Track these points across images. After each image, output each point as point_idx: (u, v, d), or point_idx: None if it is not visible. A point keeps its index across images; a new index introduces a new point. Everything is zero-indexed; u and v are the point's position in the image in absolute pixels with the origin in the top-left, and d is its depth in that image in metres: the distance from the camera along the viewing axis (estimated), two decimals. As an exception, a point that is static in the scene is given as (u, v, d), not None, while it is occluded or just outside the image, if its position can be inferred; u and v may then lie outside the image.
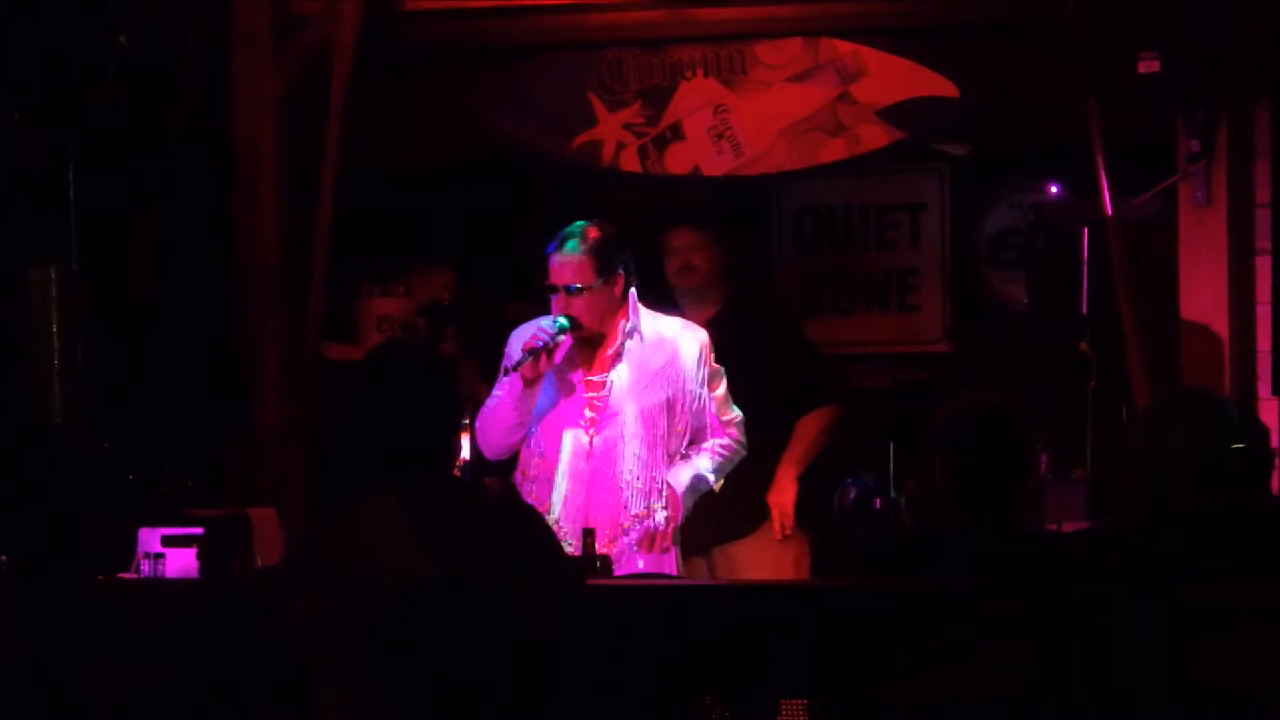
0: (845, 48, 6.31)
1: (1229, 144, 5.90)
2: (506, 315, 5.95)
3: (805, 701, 4.04)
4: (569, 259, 5.04)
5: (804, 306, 7.57)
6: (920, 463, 5.34)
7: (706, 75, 6.42)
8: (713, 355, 5.26)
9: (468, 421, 5.26)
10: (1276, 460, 4.76)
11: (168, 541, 4.61)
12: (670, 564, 5.21)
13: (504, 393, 5.12)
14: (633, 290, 5.17)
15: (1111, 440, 5.88)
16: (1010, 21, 6.15)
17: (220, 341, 6.23)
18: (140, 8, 5.15)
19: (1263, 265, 5.94)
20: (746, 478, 5.58)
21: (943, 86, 6.26)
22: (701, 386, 5.21)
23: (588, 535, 4.79)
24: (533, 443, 5.19)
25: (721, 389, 5.28)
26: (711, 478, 5.29)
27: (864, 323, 7.57)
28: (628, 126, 6.47)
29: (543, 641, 3.39)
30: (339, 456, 3.51)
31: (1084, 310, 6.10)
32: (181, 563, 4.59)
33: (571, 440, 5.13)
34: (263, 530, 4.74)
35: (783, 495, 6.05)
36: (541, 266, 5.16)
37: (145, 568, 4.59)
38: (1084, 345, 6.08)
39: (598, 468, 5.13)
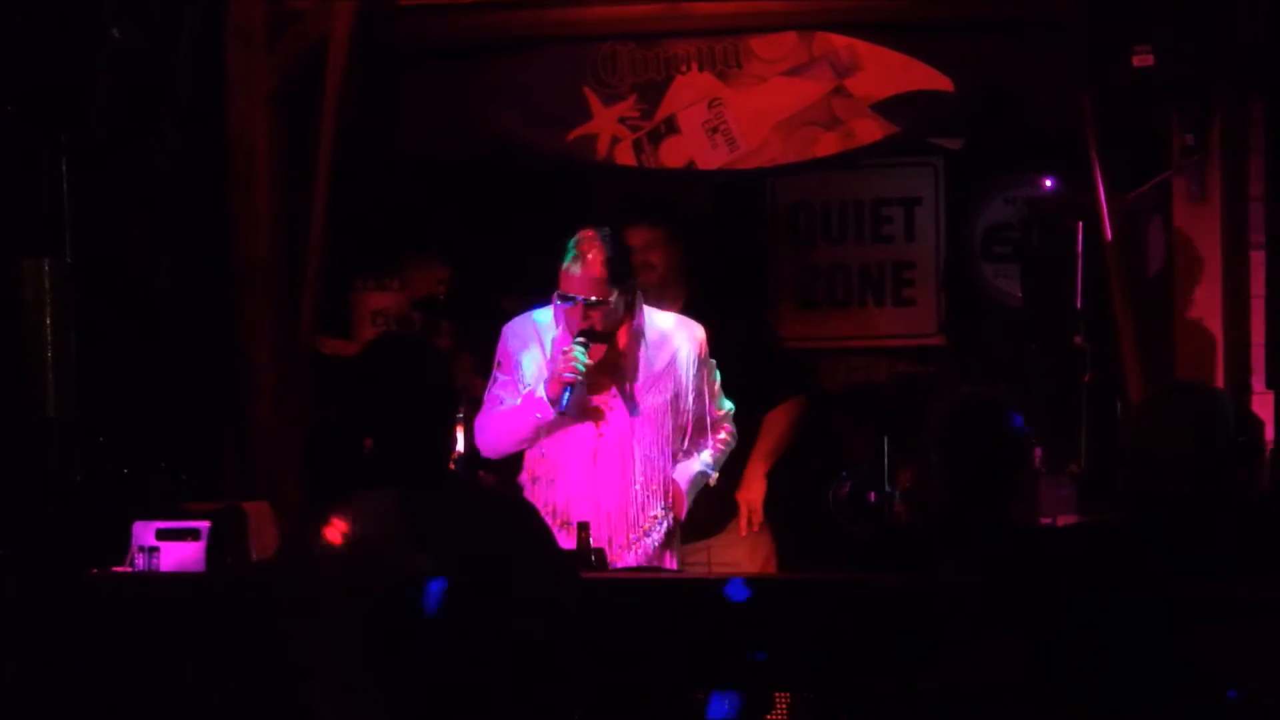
0: (840, 41, 6.30)
1: (1223, 138, 5.90)
2: (501, 309, 5.95)
3: (799, 694, 4.05)
4: (587, 274, 5.01)
5: (799, 301, 7.58)
6: (915, 456, 5.36)
7: (701, 69, 6.41)
8: (708, 350, 5.26)
9: (462, 416, 5.25)
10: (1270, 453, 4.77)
11: (163, 535, 4.61)
12: (669, 558, 5.21)
13: (523, 412, 5.09)
14: (639, 293, 5.18)
15: (1106, 434, 5.88)
16: (1005, 16, 6.15)
17: (215, 335, 6.23)
18: (134, 2, 5.15)
19: (1257, 259, 5.94)
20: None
21: (937, 80, 6.26)
22: (700, 382, 5.22)
23: (582, 529, 4.80)
24: (539, 445, 5.19)
25: (717, 383, 5.29)
26: (711, 472, 5.30)
27: (859, 317, 7.57)
28: (622, 120, 6.47)
29: (537, 635, 3.39)
30: (334, 450, 3.51)
31: (1078, 304, 6.10)
32: (177, 556, 4.59)
33: (579, 442, 5.13)
34: (257, 524, 4.74)
35: (750, 492, 6.04)
36: (535, 262, 5.14)
37: (140, 561, 4.58)
38: (1078, 339, 6.09)
39: (607, 469, 5.13)
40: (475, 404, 5.28)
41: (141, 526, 4.63)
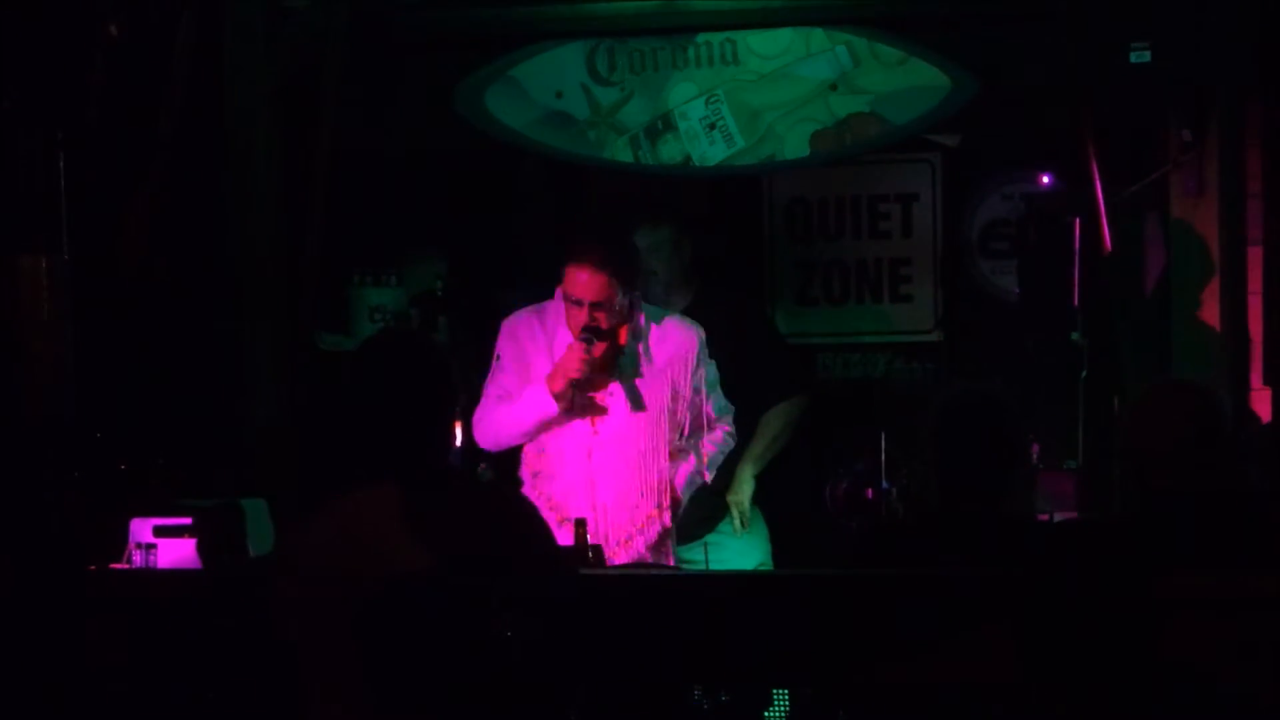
0: (837, 38, 6.31)
1: (1221, 134, 5.90)
2: (499, 304, 5.94)
3: (796, 690, 4.05)
4: (593, 275, 5.01)
5: (796, 297, 7.58)
6: (912, 452, 5.36)
7: (699, 65, 6.42)
8: (707, 348, 5.26)
9: (461, 410, 5.25)
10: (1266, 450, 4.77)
11: (160, 532, 4.61)
12: (667, 555, 5.22)
13: (526, 406, 5.10)
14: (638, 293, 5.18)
15: (1103, 430, 5.88)
16: (1002, 12, 6.15)
17: (212, 331, 6.22)
18: (131, -2, 5.15)
19: (1254, 255, 5.94)
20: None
21: (934, 77, 6.26)
22: (699, 380, 5.22)
23: (579, 525, 4.80)
24: (538, 440, 5.19)
25: (717, 382, 5.29)
26: (707, 471, 5.30)
27: (856, 313, 7.57)
28: (620, 116, 6.47)
29: (534, 632, 3.39)
30: (334, 445, 3.51)
31: (1075, 300, 6.10)
32: (174, 553, 4.59)
33: (577, 438, 5.14)
34: (254, 520, 4.73)
35: (739, 494, 6.04)
36: (533, 257, 5.14)
37: (137, 558, 4.58)
38: (1075, 335, 6.09)
39: (604, 465, 5.13)
40: (474, 398, 5.28)
41: (139, 523, 4.63)
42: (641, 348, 5.16)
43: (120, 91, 5.17)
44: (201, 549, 4.55)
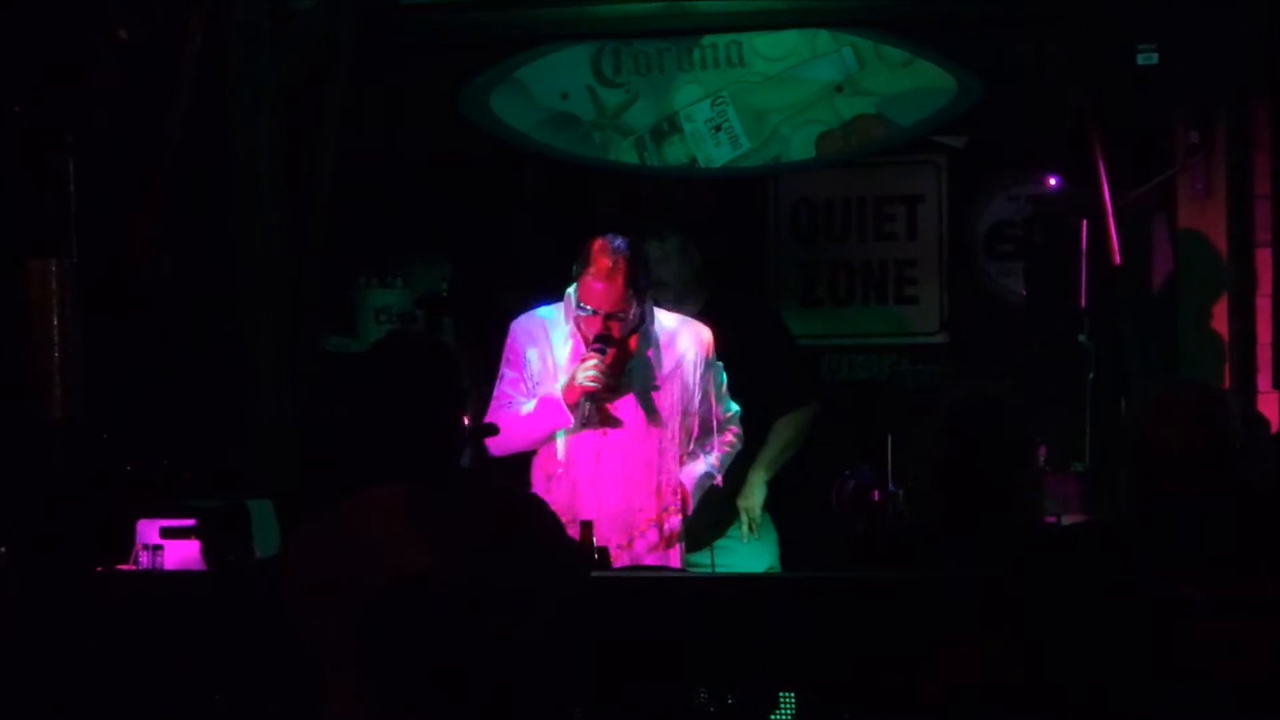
0: (843, 40, 6.31)
1: (1228, 136, 5.90)
2: (504, 305, 5.95)
3: (802, 692, 4.05)
4: (610, 287, 5.01)
5: (801, 298, 7.58)
6: (918, 455, 5.35)
7: (704, 67, 6.42)
8: (714, 353, 5.26)
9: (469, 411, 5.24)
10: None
11: (166, 533, 4.61)
12: (674, 558, 5.22)
13: (539, 417, 5.10)
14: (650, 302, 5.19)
15: (1110, 433, 5.88)
16: (1008, 13, 6.15)
17: (218, 333, 6.23)
18: (140, 2, 5.15)
19: (1262, 257, 5.94)
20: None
21: (940, 78, 6.26)
22: (707, 385, 5.22)
23: (585, 527, 4.80)
24: (549, 445, 5.20)
25: (724, 385, 5.29)
26: (717, 475, 5.30)
27: (861, 315, 7.57)
28: (625, 118, 6.48)
29: (542, 632, 3.39)
30: (344, 446, 3.50)
31: (1082, 302, 6.10)
32: (180, 554, 4.58)
33: (585, 442, 5.14)
34: (260, 521, 4.73)
35: (750, 500, 6.03)
36: (532, 254, 5.14)
37: (144, 559, 4.58)
38: (1082, 337, 6.08)
39: (612, 469, 5.13)
40: (481, 401, 5.28)
41: (145, 525, 4.63)
42: (651, 354, 5.16)
43: (128, 94, 5.18)
44: (206, 550, 4.55)
